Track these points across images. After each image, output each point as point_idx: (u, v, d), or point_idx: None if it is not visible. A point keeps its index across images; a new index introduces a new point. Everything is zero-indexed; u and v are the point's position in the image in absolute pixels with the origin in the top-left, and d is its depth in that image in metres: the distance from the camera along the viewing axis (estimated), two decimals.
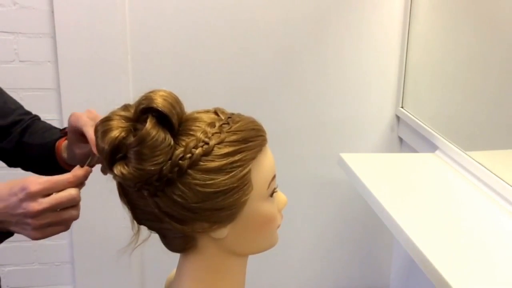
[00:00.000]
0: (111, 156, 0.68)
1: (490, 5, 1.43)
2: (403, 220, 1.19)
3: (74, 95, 1.73)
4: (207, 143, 0.67)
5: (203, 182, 0.67)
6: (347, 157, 1.56)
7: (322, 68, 1.84)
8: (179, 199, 0.67)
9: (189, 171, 0.66)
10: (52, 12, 1.66)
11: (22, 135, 1.01)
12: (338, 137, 1.92)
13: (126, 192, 0.71)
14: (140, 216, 0.72)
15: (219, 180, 0.67)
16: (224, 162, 0.67)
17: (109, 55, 1.71)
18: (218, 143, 0.67)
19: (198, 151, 0.66)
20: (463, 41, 1.54)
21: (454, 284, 0.97)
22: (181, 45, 1.75)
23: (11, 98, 1.06)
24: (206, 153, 0.67)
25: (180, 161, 0.66)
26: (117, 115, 0.69)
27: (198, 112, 0.72)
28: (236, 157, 0.68)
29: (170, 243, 0.74)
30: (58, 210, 0.73)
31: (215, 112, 0.72)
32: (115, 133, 0.67)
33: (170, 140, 0.67)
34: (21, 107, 1.05)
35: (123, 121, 0.68)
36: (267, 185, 0.72)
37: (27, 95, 1.72)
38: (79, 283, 1.91)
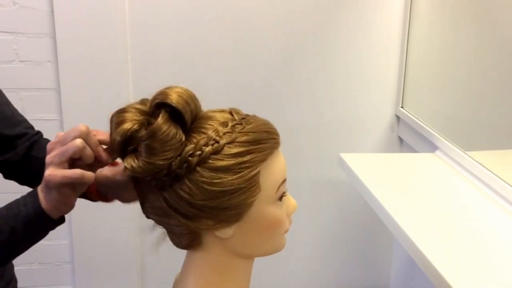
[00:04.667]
0: (123, 148, 0.69)
1: (490, 5, 1.43)
2: (403, 220, 1.19)
3: (74, 95, 1.73)
4: (217, 142, 0.67)
5: (210, 181, 0.67)
6: (347, 157, 1.56)
7: (322, 68, 1.84)
8: (186, 196, 0.67)
9: (198, 168, 0.67)
10: (52, 12, 1.66)
11: (30, 148, 1.01)
12: (338, 137, 1.92)
13: (137, 186, 0.72)
14: (149, 210, 0.73)
15: (226, 179, 0.67)
16: (233, 162, 0.67)
17: (109, 55, 1.71)
18: (229, 143, 0.68)
19: (207, 149, 0.67)
20: (463, 41, 1.53)
21: (454, 284, 0.97)
22: (181, 45, 1.75)
23: (16, 110, 1.06)
24: (216, 152, 0.67)
25: (189, 158, 0.66)
26: (133, 107, 0.69)
27: (213, 111, 0.72)
28: (246, 158, 0.68)
29: (177, 239, 0.74)
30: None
31: (230, 112, 0.72)
32: (128, 125, 0.68)
33: (181, 136, 0.67)
34: (26, 120, 1.06)
35: (138, 114, 0.69)
36: (276, 188, 0.72)
37: (27, 95, 1.72)
38: (79, 283, 1.91)
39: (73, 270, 1.91)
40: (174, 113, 0.67)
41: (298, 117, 1.87)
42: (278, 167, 0.72)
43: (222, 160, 0.67)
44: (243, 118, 0.71)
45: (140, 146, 0.67)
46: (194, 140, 0.68)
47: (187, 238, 0.72)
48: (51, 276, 1.92)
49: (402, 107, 1.89)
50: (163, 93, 0.68)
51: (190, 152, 0.67)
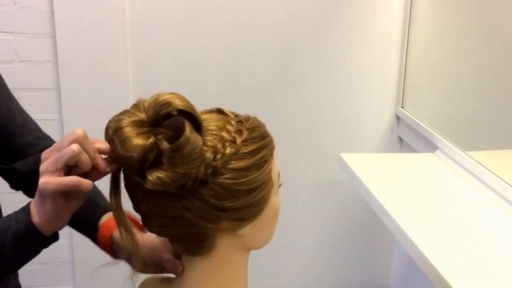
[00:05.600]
0: (142, 164, 0.66)
1: (490, 5, 1.43)
2: (403, 220, 1.19)
3: (74, 95, 1.73)
4: (234, 142, 0.68)
5: (237, 181, 0.67)
6: (347, 157, 1.56)
7: (322, 68, 1.84)
8: (212, 200, 0.67)
9: (222, 170, 0.67)
10: (52, 12, 1.66)
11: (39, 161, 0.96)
12: (338, 137, 1.92)
13: (146, 200, 0.69)
14: (155, 223, 0.71)
15: (251, 177, 0.68)
16: (254, 159, 0.69)
17: (109, 55, 1.71)
18: (243, 141, 0.69)
19: (228, 150, 0.67)
20: (463, 41, 1.54)
21: (454, 284, 0.97)
22: (181, 45, 1.75)
23: (30, 117, 1.01)
24: (236, 152, 0.68)
25: (213, 162, 0.66)
26: (129, 122, 0.66)
27: (204, 113, 0.72)
28: (261, 154, 0.70)
29: (188, 246, 0.73)
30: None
31: (220, 111, 0.72)
32: (140, 140, 0.65)
33: (201, 141, 0.66)
34: (39, 129, 1.01)
35: (140, 127, 0.66)
36: (278, 179, 0.74)
37: (27, 95, 1.72)
38: (79, 283, 1.91)
39: (73, 270, 1.91)
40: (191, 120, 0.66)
41: (298, 117, 1.87)
42: (275, 158, 0.74)
43: (242, 158, 0.68)
44: (236, 116, 0.72)
45: (164, 158, 0.65)
46: (210, 144, 0.67)
47: (202, 245, 0.72)
48: (51, 276, 1.92)
49: (402, 107, 1.89)
50: (166, 102, 0.66)
51: (212, 156, 0.66)
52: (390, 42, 1.84)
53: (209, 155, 0.66)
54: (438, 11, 1.67)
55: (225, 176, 0.67)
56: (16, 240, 0.71)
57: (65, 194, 0.68)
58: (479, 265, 1.05)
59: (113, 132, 0.66)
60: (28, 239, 0.71)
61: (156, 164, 0.66)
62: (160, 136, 0.66)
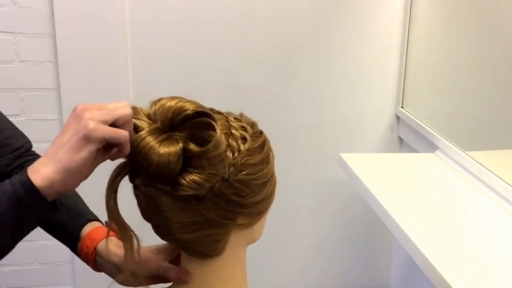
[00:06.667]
0: (175, 170, 0.65)
1: (490, 5, 1.43)
2: (403, 220, 1.19)
3: (74, 95, 1.73)
4: (244, 138, 0.69)
5: (255, 175, 0.69)
6: (347, 157, 1.56)
7: (322, 68, 1.84)
8: (235, 197, 0.68)
9: (242, 167, 0.68)
10: (52, 12, 1.66)
11: (13, 161, 0.90)
12: (338, 137, 1.92)
13: (165, 209, 0.67)
14: (171, 231, 0.69)
15: (265, 170, 0.70)
16: (263, 152, 0.71)
17: (109, 55, 1.71)
18: (250, 136, 0.70)
19: (242, 147, 0.68)
20: (463, 41, 1.54)
21: (454, 284, 0.97)
22: (181, 45, 1.75)
23: (2, 116, 0.93)
24: (249, 148, 0.69)
25: (233, 160, 0.67)
26: (146, 131, 0.64)
27: None
28: (266, 147, 0.72)
29: (204, 249, 0.71)
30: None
31: (211, 111, 0.72)
32: (167, 147, 0.63)
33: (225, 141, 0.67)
34: (10, 128, 0.93)
35: (157, 134, 0.65)
36: None
37: (27, 95, 1.72)
38: (79, 283, 1.91)
39: (73, 270, 1.91)
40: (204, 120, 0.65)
41: (298, 117, 1.87)
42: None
43: (254, 153, 0.69)
44: (226, 112, 0.73)
45: (194, 161, 0.64)
46: (225, 143, 0.67)
47: (218, 245, 0.71)
48: (51, 276, 1.92)
49: (402, 107, 1.89)
50: (181, 106, 0.65)
51: (232, 154, 0.67)
52: (390, 41, 1.84)
53: (229, 153, 0.67)
54: (438, 11, 1.67)
55: (244, 172, 0.68)
56: (13, 204, 0.62)
57: (100, 150, 0.64)
58: (479, 265, 1.05)
59: (137, 145, 0.64)
60: (28, 201, 0.62)
61: (184, 168, 0.65)
62: (181, 140, 0.65)
